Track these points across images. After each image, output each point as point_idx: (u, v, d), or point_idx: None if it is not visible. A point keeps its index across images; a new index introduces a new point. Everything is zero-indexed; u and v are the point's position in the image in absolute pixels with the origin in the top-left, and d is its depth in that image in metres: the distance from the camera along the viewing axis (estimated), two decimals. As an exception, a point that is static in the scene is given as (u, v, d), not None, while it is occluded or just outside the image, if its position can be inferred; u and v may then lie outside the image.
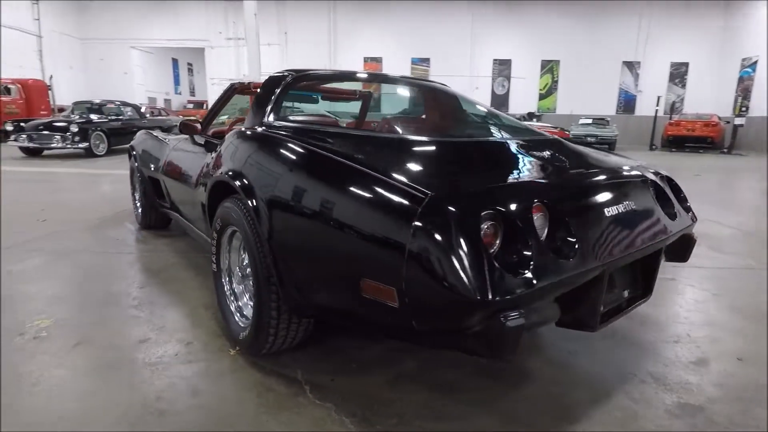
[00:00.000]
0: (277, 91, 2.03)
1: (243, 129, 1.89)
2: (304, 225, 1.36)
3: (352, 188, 1.26)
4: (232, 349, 1.77)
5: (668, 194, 1.69)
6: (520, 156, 1.65)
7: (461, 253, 1.01)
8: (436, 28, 18.39)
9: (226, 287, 1.85)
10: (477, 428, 1.38)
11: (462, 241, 1.02)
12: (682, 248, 1.74)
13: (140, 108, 12.12)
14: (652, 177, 1.70)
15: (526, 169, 1.55)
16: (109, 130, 9.26)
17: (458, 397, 1.54)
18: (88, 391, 1.51)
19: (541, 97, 19.38)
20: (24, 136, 8.44)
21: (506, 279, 1.04)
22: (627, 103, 19.22)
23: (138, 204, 3.55)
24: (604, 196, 1.43)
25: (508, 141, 1.96)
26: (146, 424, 1.34)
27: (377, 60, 18.97)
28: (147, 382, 1.56)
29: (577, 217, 1.26)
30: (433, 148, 1.71)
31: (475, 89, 19.11)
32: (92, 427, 1.33)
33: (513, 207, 1.14)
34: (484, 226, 1.08)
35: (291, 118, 2.12)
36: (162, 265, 2.77)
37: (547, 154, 1.64)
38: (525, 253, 1.09)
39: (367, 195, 1.21)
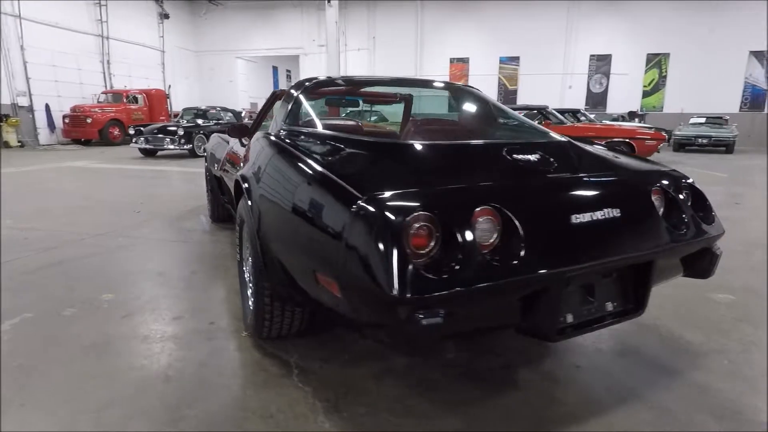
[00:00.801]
0: (291, 100, 2.19)
1: (262, 134, 2.09)
2: (277, 221, 1.53)
3: (310, 188, 1.39)
4: (245, 332, 1.97)
5: (679, 203, 1.54)
6: (495, 159, 1.61)
7: (383, 251, 1.07)
8: (528, 25, 17.65)
9: (245, 275, 2.06)
10: (439, 428, 1.40)
11: (385, 240, 1.08)
12: (700, 263, 1.58)
13: (241, 113, 13.38)
14: (663, 184, 1.57)
15: (492, 172, 1.52)
16: (210, 132, 10.35)
17: (433, 396, 1.57)
18: (113, 354, 1.80)
19: (646, 94, 17.65)
20: (142, 138, 9.81)
21: (426, 279, 1.07)
22: (755, 99, 16.74)
23: (208, 199, 4.00)
24: (576, 202, 1.38)
25: (494, 143, 1.89)
26: (151, 388, 1.58)
27: (463, 60, 18.74)
28: (166, 353, 1.81)
29: (534, 222, 1.23)
30: (409, 151, 1.71)
31: (568, 88, 18.02)
32: (104, 391, 1.60)
33: (451, 210, 1.17)
34: (415, 226, 1.12)
35: (309, 123, 2.25)
36: (217, 254, 3.12)
37: (531, 157, 1.58)
38: (453, 255, 1.11)
39: (318, 194, 1.34)
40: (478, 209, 1.18)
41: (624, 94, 17.57)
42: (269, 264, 1.58)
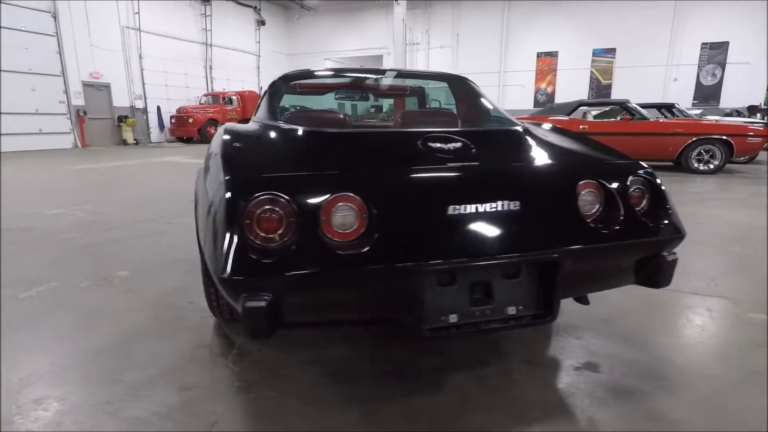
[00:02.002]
0: (265, 95, 2.27)
1: None
2: (199, 207, 1.62)
3: (204, 171, 1.48)
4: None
5: (616, 200, 1.35)
6: (403, 147, 1.54)
7: (223, 230, 1.12)
8: (626, 13, 16.11)
9: None
10: (336, 421, 1.40)
11: (225, 220, 1.13)
12: (649, 270, 1.37)
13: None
14: (602, 177, 1.40)
15: (387, 161, 1.44)
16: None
17: (348, 389, 1.56)
18: (99, 319, 2.05)
19: (773, 86, 15.16)
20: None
21: (256, 261, 1.09)
22: None
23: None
24: (460, 193, 1.28)
25: (416, 132, 1.71)
26: (115, 351, 1.78)
27: (552, 54, 17.67)
28: (143, 323, 2.02)
29: (400, 213, 1.17)
30: (328, 139, 1.67)
31: (672, 80, 16.13)
32: (83, 342, 1.83)
33: (304, 196, 1.16)
34: (261, 210, 1.14)
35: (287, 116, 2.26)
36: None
37: (446, 146, 1.46)
38: (299, 241, 1.11)
39: (204, 176, 1.43)
40: (333, 196, 1.16)
41: (743, 87, 15.27)
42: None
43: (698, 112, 13.41)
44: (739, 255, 3.05)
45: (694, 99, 15.99)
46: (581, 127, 7.78)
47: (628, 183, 1.42)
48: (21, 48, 12.12)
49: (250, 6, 19.31)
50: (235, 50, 18.81)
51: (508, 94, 18.49)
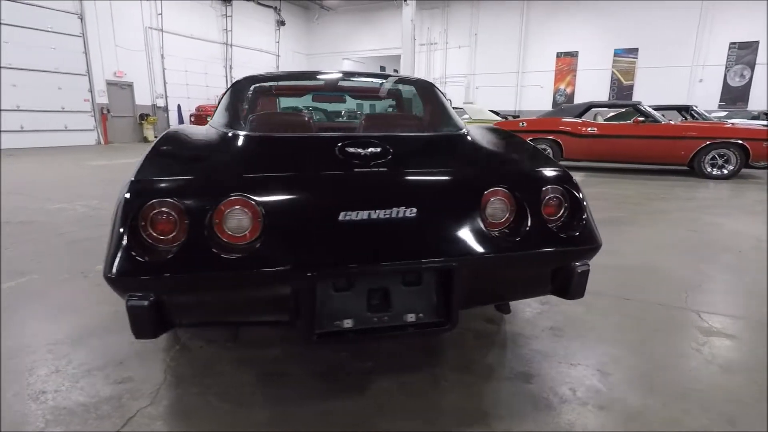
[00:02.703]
0: (225, 98, 2.29)
1: None
2: None
3: None
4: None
5: (526, 208, 1.34)
6: (317, 153, 1.56)
7: (115, 231, 1.18)
8: (650, 12, 15.65)
9: None
10: (245, 418, 1.44)
11: (119, 221, 1.18)
12: (560, 281, 1.36)
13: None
14: (513, 185, 1.40)
15: (288, 164, 1.46)
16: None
17: (273, 389, 1.60)
18: (70, 311, 2.14)
19: (806, 87, 14.47)
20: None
21: (139, 262, 1.13)
22: None
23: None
24: (354, 198, 1.30)
25: (334, 137, 1.70)
26: (70, 343, 1.87)
27: (572, 54, 17.31)
28: (105, 317, 2.11)
29: (289, 217, 1.20)
30: (250, 143, 1.71)
31: (698, 82, 15.58)
32: (49, 329, 1.92)
33: (196, 199, 1.21)
34: (154, 212, 1.18)
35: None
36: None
37: (361, 151, 1.47)
38: (192, 243, 1.15)
39: None
40: (227, 200, 1.20)
41: (774, 88, 14.64)
42: None
43: (723, 114, 12.93)
44: (726, 266, 2.95)
45: (720, 101, 15.42)
46: (589, 129, 7.62)
47: (542, 191, 1.40)
48: (48, 48, 12.62)
49: (270, 6, 19.59)
50: (255, 50, 19.12)
51: (526, 94, 18.23)
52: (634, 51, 16.36)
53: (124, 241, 1.16)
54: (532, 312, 2.20)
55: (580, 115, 8.03)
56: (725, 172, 7.14)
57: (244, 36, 18.48)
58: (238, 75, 18.53)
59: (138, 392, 1.56)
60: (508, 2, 17.77)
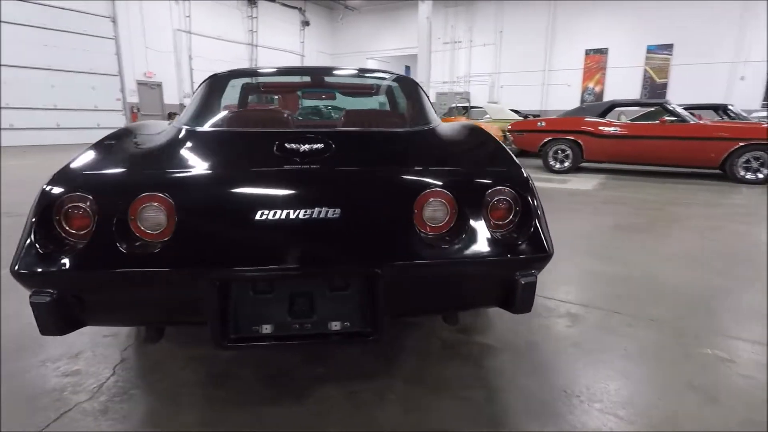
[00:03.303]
0: (198, 94, 2.25)
1: None
2: None
3: None
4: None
5: (466, 213, 1.23)
6: (258, 148, 1.52)
7: (26, 224, 1.17)
8: (686, 6, 14.93)
9: None
10: (179, 419, 1.40)
11: (31, 213, 1.17)
12: (505, 293, 1.25)
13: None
14: (458, 188, 1.31)
15: (233, 161, 1.44)
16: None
17: (216, 391, 1.55)
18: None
19: None
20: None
21: (41, 257, 1.12)
22: None
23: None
24: (274, 198, 1.24)
25: (281, 132, 1.69)
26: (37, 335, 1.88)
27: (601, 52, 16.72)
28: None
29: (201, 216, 1.15)
30: (202, 138, 1.72)
31: (739, 79, 14.76)
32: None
33: (108, 194, 1.19)
34: (67, 206, 1.17)
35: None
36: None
37: (306, 148, 1.40)
38: (81, 240, 1.12)
39: None
40: (140, 196, 1.16)
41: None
42: None
43: (765, 114, 12.18)
44: (738, 279, 2.72)
45: (764, 100, 14.56)
46: (611, 129, 7.30)
47: (487, 194, 1.30)
48: (83, 50, 13.16)
49: (295, 7, 19.80)
50: (280, 50, 19.37)
51: (552, 93, 17.75)
52: (668, 47, 15.66)
53: (32, 235, 1.14)
54: (511, 323, 2.08)
55: (602, 115, 7.71)
56: (760, 176, 6.66)
57: (269, 36, 18.75)
58: (264, 75, 18.89)
59: (81, 387, 1.55)
60: (535, -1, 17.36)
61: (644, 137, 7.13)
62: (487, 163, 1.49)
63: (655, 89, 16.05)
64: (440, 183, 1.31)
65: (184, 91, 15.95)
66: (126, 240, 1.16)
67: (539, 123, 8.07)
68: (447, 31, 19.36)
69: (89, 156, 1.42)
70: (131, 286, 1.19)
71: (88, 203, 1.18)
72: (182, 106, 15.82)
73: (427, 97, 2.34)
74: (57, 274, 1.12)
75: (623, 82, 16.36)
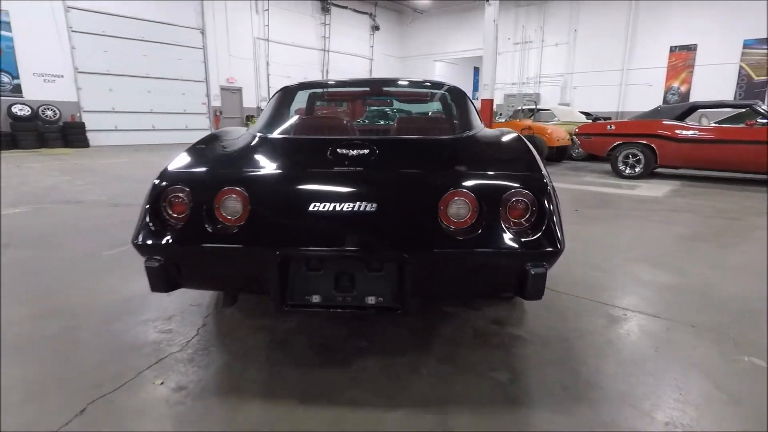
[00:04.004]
0: (271, 104, 2.58)
1: None
2: None
3: None
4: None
5: (483, 210, 1.42)
6: (318, 152, 1.78)
7: (142, 209, 1.53)
8: (792, -4, 13.45)
9: None
10: (240, 377, 1.70)
11: (145, 201, 1.52)
12: (519, 281, 1.41)
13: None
14: (478, 189, 1.50)
15: (302, 162, 1.73)
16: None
17: (275, 354, 1.85)
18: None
19: None
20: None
21: (153, 232, 1.46)
22: None
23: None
24: (323, 193, 1.50)
25: (336, 139, 1.95)
26: (154, 295, 2.32)
27: (689, 48, 15.50)
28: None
29: (267, 206, 1.45)
30: (273, 144, 2.07)
31: None
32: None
33: (200, 188, 1.52)
34: (171, 195, 1.51)
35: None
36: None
37: (354, 153, 1.66)
38: (192, 220, 1.44)
39: None
40: (222, 190, 1.47)
41: None
42: None
43: None
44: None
45: None
46: (689, 133, 6.86)
47: (504, 196, 1.47)
48: (176, 59, 14.61)
49: (366, 13, 20.41)
50: (350, 55, 20.08)
51: (631, 94, 16.75)
52: (769, 42, 14.18)
53: (146, 217, 1.50)
54: (547, 319, 2.19)
55: (680, 118, 7.26)
56: None
57: (341, 42, 19.51)
58: (333, 78, 19.68)
59: (173, 341, 1.93)
60: (615, -6, 16.48)
61: (726, 141, 6.64)
62: (511, 168, 1.66)
63: (752, 88, 14.62)
64: (464, 184, 1.50)
65: (261, 95, 17.09)
66: (212, 223, 1.49)
67: (608, 126, 7.78)
68: (518, 31, 18.97)
69: (186, 157, 1.79)
70: (214, 258, 1.52)
71: (185, 194, 1.53)
72: (259, 109, 16.97)
73: (473, 105, 2.52)
74: (163, 246, 1.48)
75: (714, 81, 15.06)
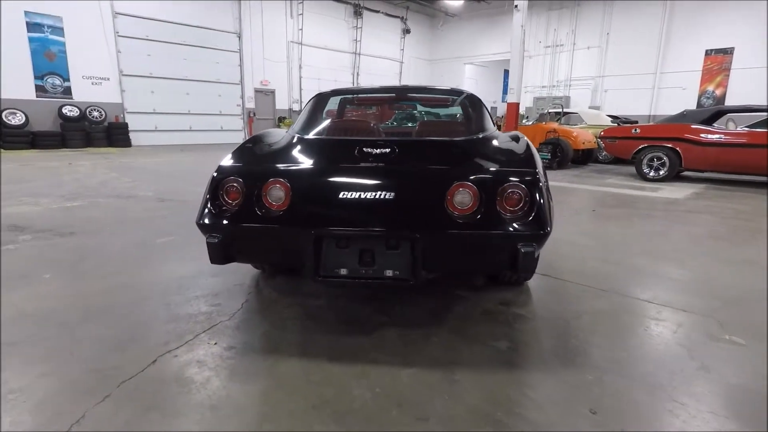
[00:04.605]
0: (307, 109, 2.92)
1: None
2: None
3: None
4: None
5: (482, 199, 1.70)
6: (348, 151, 2.07)
7: (204, 196, 1.89)
8: (837, -4, 12.98)
9: None
10: (281, 339, 2.02)
11: (207, 190, 1.87)
12: (509, 259, 1.70)
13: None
14: (478, 180, 1.77)
15: (330, 159, 2.07)
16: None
17: (308, 323, 2.16)
18: (189, 263, 3.00)
19: None
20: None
21: (212, 214, 1.81)
22: None
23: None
24: (351, 184, 1.81)
25: (362, 140, 2.24)
26: (202, 275, 2.69)
27: (726, 51, 15.14)
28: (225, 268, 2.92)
29: (306, 194, 1.78)
30: (309, 143, 2.38)
31: None
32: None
33: (250, 179, 1.85)
34: (227, 185, 1.86)
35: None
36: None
37: (376, 151, 1.96)
38: (245, 205, 1.78)
39: None
40: (269, 180, 1.80)
41: None
42: None
43: None
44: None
45: None
46: (714, 137, 6.86)
47: (500, 187, 1.76)
48: (213, 62, 15.32)
49: (397, 17, 20.75)
50: (380, 57, 20.47)
51: (664, 97, 16.46)
52: (811, 45, 13.71)
53: (207, 203, 1.84)
54: (550, 302, 2.43)
55: (707, 122, 7.26)
56: None
57: (372, 45, 19.91)
58: (363, 81, 20.08)
59: (222, 312, 2.27)
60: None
61: (752, 146, 6.63)
62: (510, 165, 1.95)
63: (791, 92, 14.16)
64: (468, 177, 1.79)
65: (293, 98, 17.67)
66: (260, 207, 1.83)
67: (633, 130, 7.83)
68: (549, 34, 18.91)
69: (237, 154, 2.14)
70: (261, 236, 1.87)
71: (238, 184, 1.88)
72: (290, 111, 17.55)
73: (487, 110, 2.79)
74: (221, 226, 1.83)
75: (751, 85, 14.66)
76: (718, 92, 15.51)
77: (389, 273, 1.78)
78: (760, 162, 6.61)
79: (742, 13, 14.60)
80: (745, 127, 7.30)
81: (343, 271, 1.78)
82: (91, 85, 12.87)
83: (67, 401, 1.56)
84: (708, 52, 15.51)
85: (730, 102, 14.89)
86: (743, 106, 7.52)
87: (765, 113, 7.63)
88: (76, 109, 12.47)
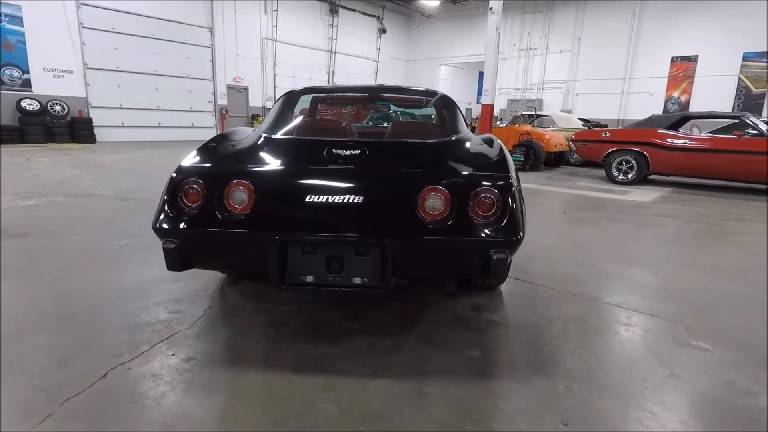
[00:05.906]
0: (276, 107, 2.81)
1: None
2: None
3: None
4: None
5: (454, 204, 1.65)
6: (316, 151, 2.00)
7: (161, 198, 1.76)
8: (793, 9, 13.63)
9: None
10: (244, 347, 1.92)
11: (166, 192, 1.75)
12: (481, 265, 1.65)
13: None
14: (451, 184, 1.72)
15: (298, 161, 1.97)
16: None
17: (273, 332, 2.07)
18: (154, 267, 2.85)
19: None
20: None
21: (169, 218, 1.69)
22: None
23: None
24: (318, 187, 1.73)
25: (331, 141, 2.16)
26: (163, 281, 2.54)
27: (690, 59, 15.69)
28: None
29: (269, 197, 1.68)
30: (277, 143, 2.29)
31: None
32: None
33: (211, 180, 1.75)
34: (186, 187, 1.74)
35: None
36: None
37: (347, 152, 1.89)
38: (204, 208, 1.67)
39: None
40: (231, 182, 1.70)
41: None
42: None
43: None
44: (762, 288, 2.80)
45: None
46: (679, 141, 7.06)
47: (472, 192, 1.70)
48: (184, 57, 14.88)
49: (373, 16, 20.67)
50: (356, 57, 20.33)
51: (632, 102, 16.94)
52: (768, 54, 14.36)
53: (165, 205, 1.72)
54: (521, 308, 2.41)
55: (673, 127, 7.47)
56: None
57: (348, 44, 19.76)
58: (339, 80, 19.92)
59: (183, 320, 2.15)
60: (618, 2, 16.67)
61: (714, 151, 6.86)
62: (482, 168, 1.89)
63: (750, 100, 14.80)
64: (440, 181, 1.73)
65: (267, 95, 17.36)
66: (221, 211, 1.72)
67: (604, 133, 7.99)
68: (523, 38, 19.19)
69: (198, 154, 2.01)
70: (223, 241, 1.75)
71: (198, 186, 1.76)
72: (264, 109, 17.23)
73: (461, 111, 2.74)
74: (178, 230, 1.71)
75: (713, 92, 15.26)
76: (683, 98, 16.07)
77: (358, 280, 1.69)
78: (722, 166, 6.85)
79: (705, 22, 15.17)
80: (709, 132, 7.56)
81: (310, 279, 1.70)
82: (52, 78, 12.29)
83: (3, 423, 1.42)
84: (674, 59, 16.05)
85: (693, 108, 15.46)
86: (707, 113, 7.78)
87: (728, 119, 7.95)
88: (36, 103, 11.88)
